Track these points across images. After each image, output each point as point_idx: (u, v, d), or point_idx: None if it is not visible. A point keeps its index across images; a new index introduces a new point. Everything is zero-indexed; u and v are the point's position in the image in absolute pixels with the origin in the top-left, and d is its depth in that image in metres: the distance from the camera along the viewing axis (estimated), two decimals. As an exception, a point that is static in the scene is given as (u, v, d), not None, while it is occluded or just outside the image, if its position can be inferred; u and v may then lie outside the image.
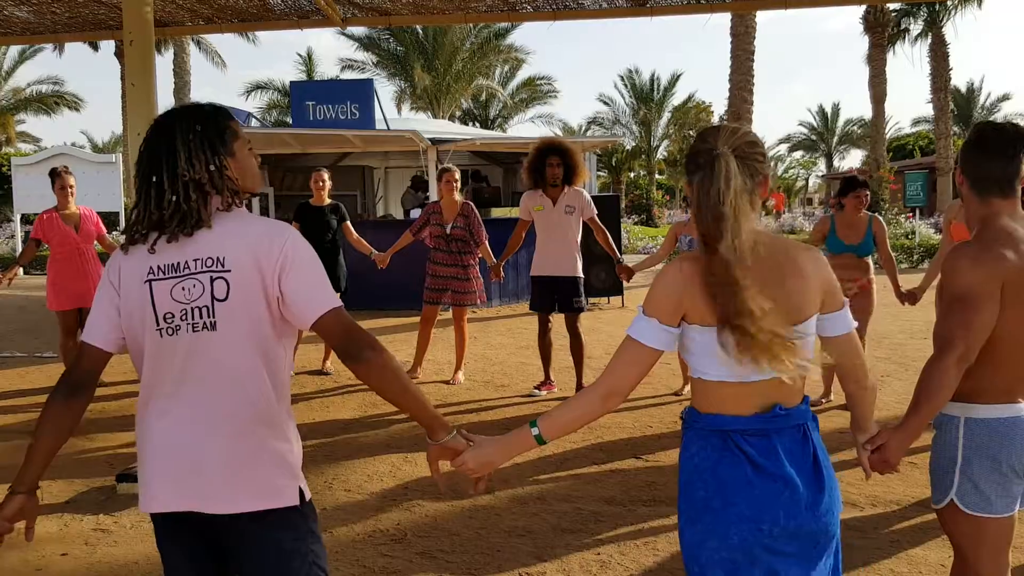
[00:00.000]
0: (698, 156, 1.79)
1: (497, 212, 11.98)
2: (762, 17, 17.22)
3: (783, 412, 1.78)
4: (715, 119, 37.11)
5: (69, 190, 6.57)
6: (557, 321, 6.35)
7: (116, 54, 26.78)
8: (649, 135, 41.57)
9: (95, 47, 32.21)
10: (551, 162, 6.16)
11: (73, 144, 41.97)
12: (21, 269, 6.75)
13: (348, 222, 7.12)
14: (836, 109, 58.09)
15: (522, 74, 35.61)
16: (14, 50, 33.13)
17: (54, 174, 6.67)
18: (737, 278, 1.68)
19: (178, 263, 1.79)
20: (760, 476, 1.75)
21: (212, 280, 1.77)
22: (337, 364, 7.03)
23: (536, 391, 6.36)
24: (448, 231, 6.62)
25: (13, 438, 5.41)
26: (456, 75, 29.46)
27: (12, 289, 6.47)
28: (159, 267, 1.80)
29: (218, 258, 1.78)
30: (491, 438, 1.97)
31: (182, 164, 1.78)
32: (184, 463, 1.79)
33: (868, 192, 5.72)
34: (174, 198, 1.78)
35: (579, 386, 6.22)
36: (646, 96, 41.07)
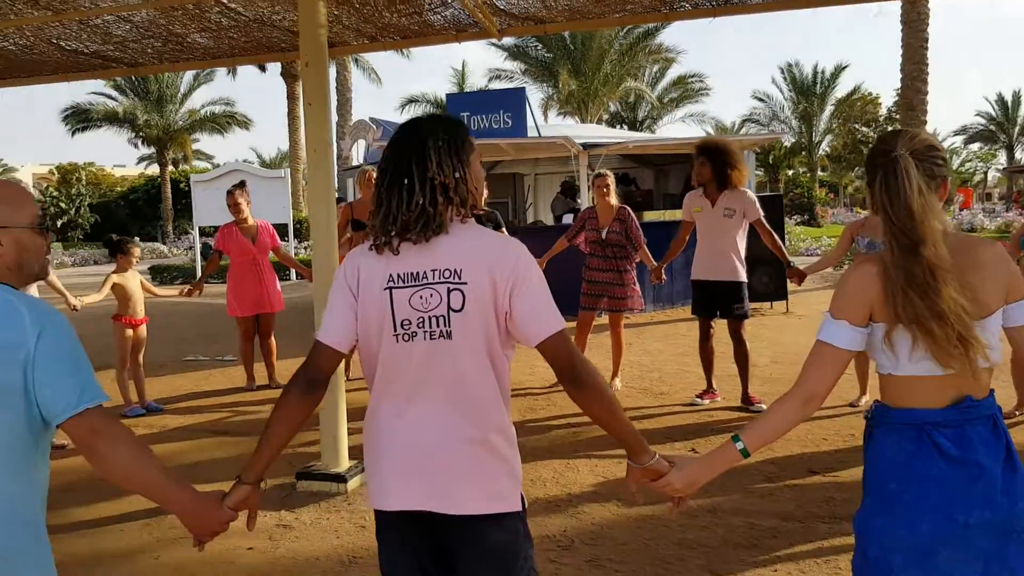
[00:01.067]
0: (876, 159, 1.85)
1: (650, 215, 11.78)
2: (933, 3, 16.10)
3: (973, 403, 1.81)
4: (883, 111, 35.14)
5: (245, 205, 7.05)
6: (719, 327, 6.16)
7: (282, 75, 28.45)
8: (810, 130, 39.82)
9: (263, 69, 34.37)
10: (697, 161, 6.03)
11: (244, 160, 45.04)
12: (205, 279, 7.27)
13: (504, 228, 7.21)
14: (1017, 97, 53.63)
15: (672, 73, 34.97)
16: (189, 75, 35.75)
17: (231, 191, 7.17)
18: (937, 279, 1.72)
19: (417, 272, 1.87)
20: (953, 467, 1.78)
21: (449, 291, 1.84)
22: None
23: (698, 400, 6.19)
24: (604, 236, 6.57)
25: (201, 436, 5.82)
26: (604, 78, 29.31)
27: (192, 297, 6.96)
28: (399, 275, 1.88)
29: (455, 270, 1.85)
30: (693, 457, 1.98)
31: (433, 168, 1.85)
32: (420, 464, 1.87)
33: None
34: (422, 201, 1.84)
35: (744, 395, 6.01)
36: (807, 89, 39.37)
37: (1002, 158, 56.72)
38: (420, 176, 1.85)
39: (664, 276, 6.49)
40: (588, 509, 4.13)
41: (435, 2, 5.95)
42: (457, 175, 1.88)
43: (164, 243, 30.89)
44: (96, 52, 7.01)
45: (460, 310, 1.83)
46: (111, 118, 35.20)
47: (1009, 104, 53.54)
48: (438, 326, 1.84)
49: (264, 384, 7.29)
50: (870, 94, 39.16)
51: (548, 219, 15.09)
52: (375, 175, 6.39)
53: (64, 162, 43.67)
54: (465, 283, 1.84)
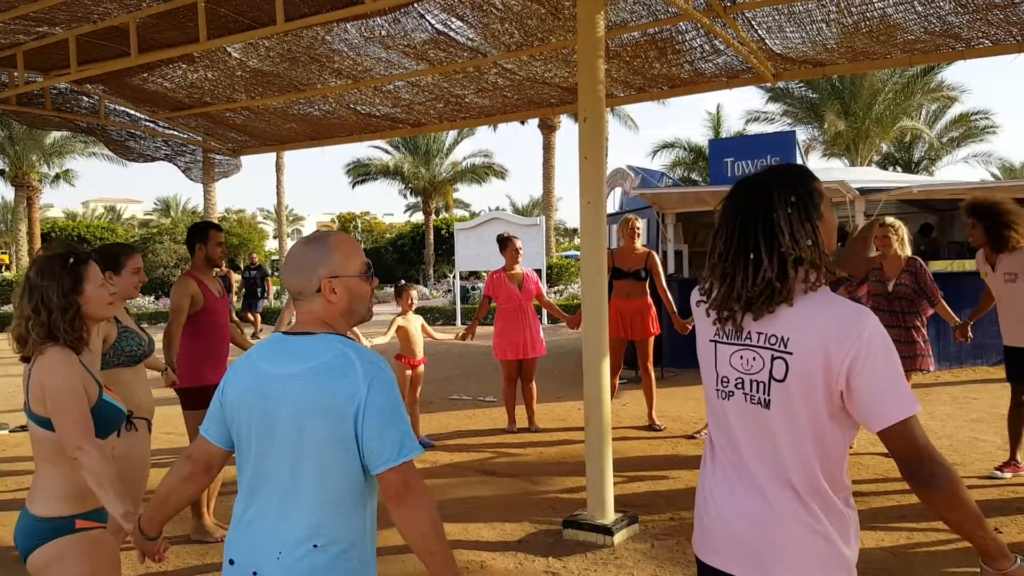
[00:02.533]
0: None
1: (936, 265, 10.76)
2: None
3: None
4: None
5: (517, 253, 7.36)
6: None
7: (539, 127, 29.65)
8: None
9: (522, 122, 36.05)
10: (968, 223, 5.52)
11: (499, 208, 47.34)
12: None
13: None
14: None
15: (953, 111, 32.02)
16: (454, 131, 38.30)
17: (503, 240, 7.49)
18: None
19: (742, 331, 1.78)
20: None
21: (773, 358, 1.73)
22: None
23: (998, 472, 5.48)
24: (891, 289, 6.06)
25: (468, 474, 6.06)
26: (876, 118, 27.48)
27: (467, 340, 7.31)
28: (726, 331, 1.83)
29: (782, 337, 1.72)
30: None
31: (786, 241, 1.70)
32: (743, 530, 1.80)
33: None
34: (769, 274, 1.70)
35: (1057, 472, 5.24)
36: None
37: None
38: (769, 249, 1.71)
39: (970, 335, 5.85)
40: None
41: (708, 50, 5.91)
42: (810, 242, 1.71)
43: (426, 286, 33.10)
44: (386, 115, 7.71)
45: (782, 380, 1.71)
46: (385, 171, 38.49)
47: None
48: (757, 392, 1.75)
49: (524, 427, 7.47)
50: None
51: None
52: (637, 224, 6.38)
53: (344, 211, 48.31)
54: (791, 353, 1.70)
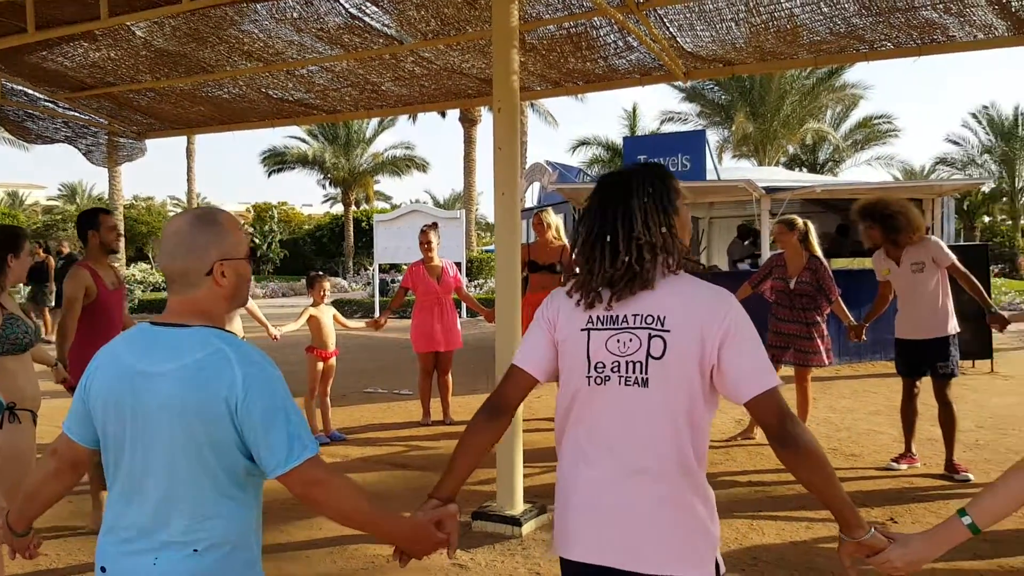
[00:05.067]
0: None
1: (837, 263, 11.18)
2: None
3: None
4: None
5: (436, 245, 7.32)
6: (924, 386, 5.67)
7: (460, 120, 29.56)
8: (1012, 175, 36.75)
9: (443, 114, 35.88)
10: (863, 226, 5.75)
11: (419, 201, 47.01)
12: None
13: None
14: None
15: (857, 114, 33.34)
16: (375, 121, 37.86)
17: (424, 230, 7.44)
18: None
19: (617, 316, 1.83)
20: None
21: (650, 337, 1.78)
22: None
23: (894, 464, 5.71)
24: (792, 286, 6.25)
25: (381, 468, 5.99)
26: (784, 120, 28.40)
27: (378, 330, 7.24)
28: (598, 317, 1.85)
29: (659, 316, 1.79)
30: (916, 534, 1.77)
31: (639, 227, 1.82)
32: (611, 517, 1.80)
33: None
34: (627, 259, 1.81)
35: (948, 462, 5.50)
36: (1007, 132, 36.42)
37: None
38: (626, 236, 1.82)
39: (864, 336, 6.08)
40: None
41: (621, 47, 5.97)
42: (664, 229, 1.82)
43: (345, 278, 32.62)
44: (300, 100, 7.54)
45: (660, 358, 1.76)
46: (303, 160, 37.73)
47: None
48: (634, 372, 1.78)
49: (439, 420, 7.44)
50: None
51: (723, 263, 14.68)
52: (548, 218, 6.39)
53: (259, 201, 47.17)
54: (668, 331, 1.76)
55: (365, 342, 13.72)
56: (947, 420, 5.49)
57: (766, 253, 10.33)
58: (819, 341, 6.20)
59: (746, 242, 13.34)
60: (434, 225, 7.57)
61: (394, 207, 38.74)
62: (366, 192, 43.55)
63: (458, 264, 18.28)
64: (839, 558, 1.81)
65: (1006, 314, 5.50)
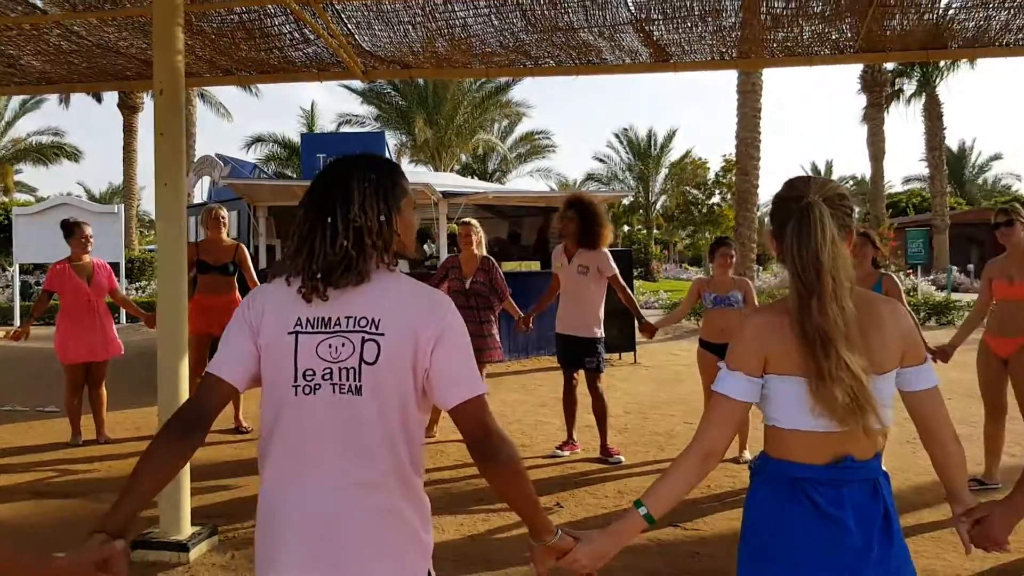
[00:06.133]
0: (788, 204, 1.79)
1: (507, 266, 11.88)
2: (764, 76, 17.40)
3: (855, 464, 1.76)
4: (711, 175, 37.41)
5: (87, 241, 6.51)
6: (582, 378, 6.18)
7: (120, 106, 26.94)
8: (647, 190, 41.87)
9: (99, 99, 32.43)
10: (564, 215, 6.13)
11: (69, 194, 42.03)
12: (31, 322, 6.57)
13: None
14: (829, 166, 59.01)
15: (521, 128, 36.00)
16: (15, 101, 33.32)
17: (70, 225, 6.58)
18: (836, 334, 1.67)
19: (329, 318, 1.68)
20: (827, 526, 1.73)
21: (364, 341, 1.66)
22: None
23: (558, 451, 6.16)
24: (467, 286, 6.48)
25: (19, 498, 5.17)
26: (457, 129, 29.69)
27: (19, 341, 6.30)
28: (308, 319, 1.69)
29: (373, 319, 1.67)
30: (599, 530, 1.85)
31: (355, 209, 1.70)
32: (319, 532, 1.65)
33: (867, 241, 5.09)
34: (345, 243, 1.68)
35: (603, 447, 6.04)
36: (643, 152, 41.48)
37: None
38: (343, 217, 1.69)
39: (531, 326, 6.47)
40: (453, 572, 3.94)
41: (297, 38, 5.76)
42: (382, 218, 1.72)
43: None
44: (-93, 66, 6.30)
45: (373, 363, 1.66)
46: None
47: (823, 172, 58.71)
48: (347, 379, 1.65)
49: (92, 439, 6.63)
50: (700, 159, 41.77)
51: (403, 266, 14.90)
52: (222, 213, 6.01)
53: None
54: (383, 334, 1.67)
55: (4, 354, 11.91)
56: (599, 409, 6.03)
57: (444, 256, 10.65)
58: (492, 339, 6.51)
59: (422, 245, 13.68)
60: (84, 222, 6.73)
61: (40, 199, 34.21)
62: (4, 183, 38.07)
63: (116, 264, 16.67)
64: (535, 566, 1.83)
65: (653, 320, 6.16)
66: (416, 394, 1.70)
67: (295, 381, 1.67)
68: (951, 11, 4.73)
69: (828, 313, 1.68)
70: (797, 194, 1.78)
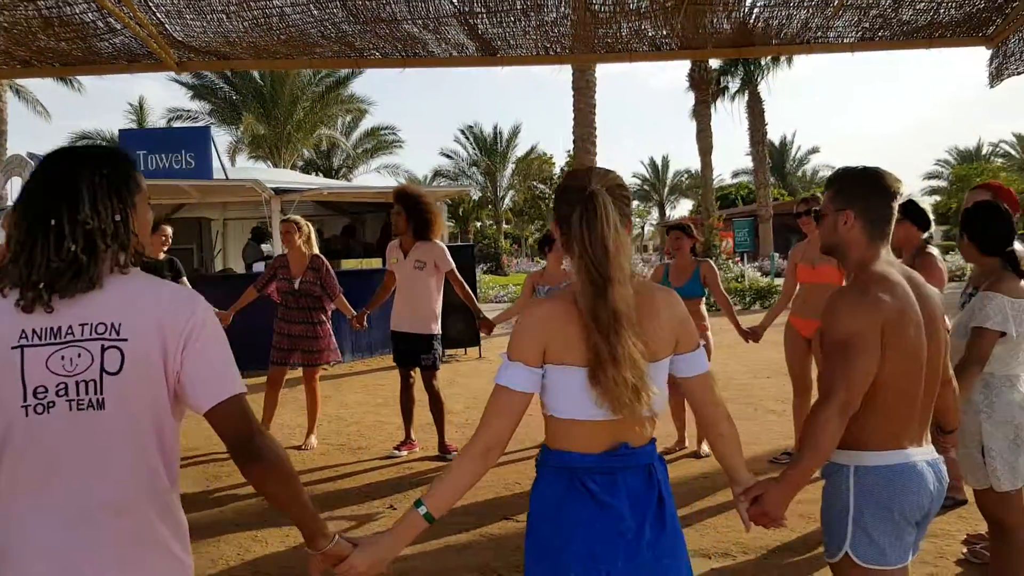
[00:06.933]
0: (571, 194, 1.80)
1: (347, 264, 11.64)
2: (598, 72, 17.93)
3: (629, 451, 1.80)
4: (556, 170, 38.32)
5: None
6: (419, 376, 6.11)
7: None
8: (495, 186, 42.33)
9: None
10: (392, 211, 6.05)
11: None
12: None
13: (185, 279, 6.64)
14: (666, 161, 61.63)
15: (366, 124, 35.45)
16: None
17: None
18: (619, 323, 1.69)
19: (59, 327, 1.50)
20: (602, 514, 1.76)
21: (103, 349, 1.50)
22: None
23: (396, 451, 6.07)
24: (296, 286, 6.27)
25: None
26: (297, 124, 28.83)
27: None
28: (34, 331, 1.50)
29: (112, 324, 1.51)
30: (378, 534, 1.81)
31: (85, 210, 1.54)
32: (68, 567, 1.48)
33: (684, 233, 5.59)
34: (73, 247, 1.52)
35: (441, 444, 6.00)
36: (489, 148, 41.89)
37: (655, 214, 64.60)
38: (71, 219, 1.53)
39: (366, 324, 6.32)
40: (281, 583, 3.80)
41: (102, 28, 5.37)
42: (118, 218, 1.58)
43: None
44: None
45: (117, 373, 1.50)
46: None
47: (660, 167, 61.32)
48: (87, 393, 1.49)
49: None
50: (545, 154, 42.65)
51: (239, 267, 14.31)
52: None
53: None
54: (125, 339, 1.51)
55: None
56: (435, 406, 5.98)
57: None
58: (326, 340, 6.33)
59: (261, 244, 13.19)
60: None
61: None
62: None
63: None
64: (309, 573, 1.76)
65: (491, 316, 6.15)
66: (170, 399, 1.57)
67: (24, 400, 1.49)
68: (756, 10, 4.99)
69: (610, 300, 1.70)
70: (581, 184, 1.80)
